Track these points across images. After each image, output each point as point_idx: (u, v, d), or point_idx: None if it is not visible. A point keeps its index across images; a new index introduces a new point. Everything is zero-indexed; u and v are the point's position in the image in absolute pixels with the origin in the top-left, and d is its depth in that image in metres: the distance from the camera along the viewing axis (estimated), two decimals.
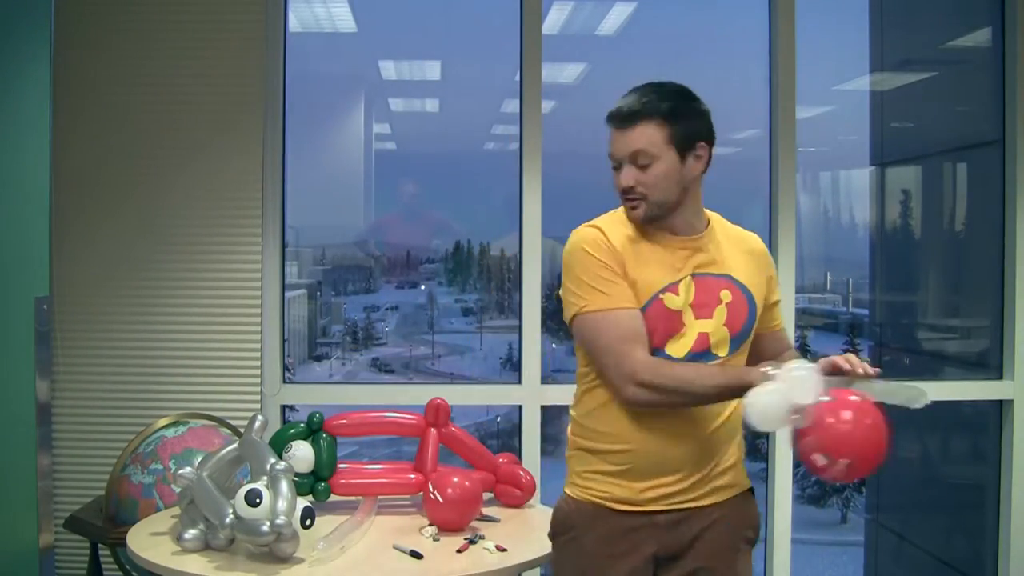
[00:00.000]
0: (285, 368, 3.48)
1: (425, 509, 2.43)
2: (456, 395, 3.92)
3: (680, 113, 1.86)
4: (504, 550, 2.22)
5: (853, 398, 1.75)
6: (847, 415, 1.72)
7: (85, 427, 3.27)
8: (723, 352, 1.92)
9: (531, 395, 3.41)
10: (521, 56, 3.43)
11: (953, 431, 4.46)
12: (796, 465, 3.58)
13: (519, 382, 3.45)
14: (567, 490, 2.02)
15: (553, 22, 3.96)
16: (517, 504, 2.66)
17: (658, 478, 1.91)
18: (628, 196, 1.90)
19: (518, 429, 3.47)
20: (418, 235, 5.41)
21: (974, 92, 4.04)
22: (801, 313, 4.61)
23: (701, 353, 1.90)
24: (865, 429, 1.73)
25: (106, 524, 2.80)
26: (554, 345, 4.03)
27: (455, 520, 2.39)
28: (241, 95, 3.30)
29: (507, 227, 3.62)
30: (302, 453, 2.49)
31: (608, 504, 1.93)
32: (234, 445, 2.38)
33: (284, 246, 3.48)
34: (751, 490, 2.06)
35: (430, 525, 2.40)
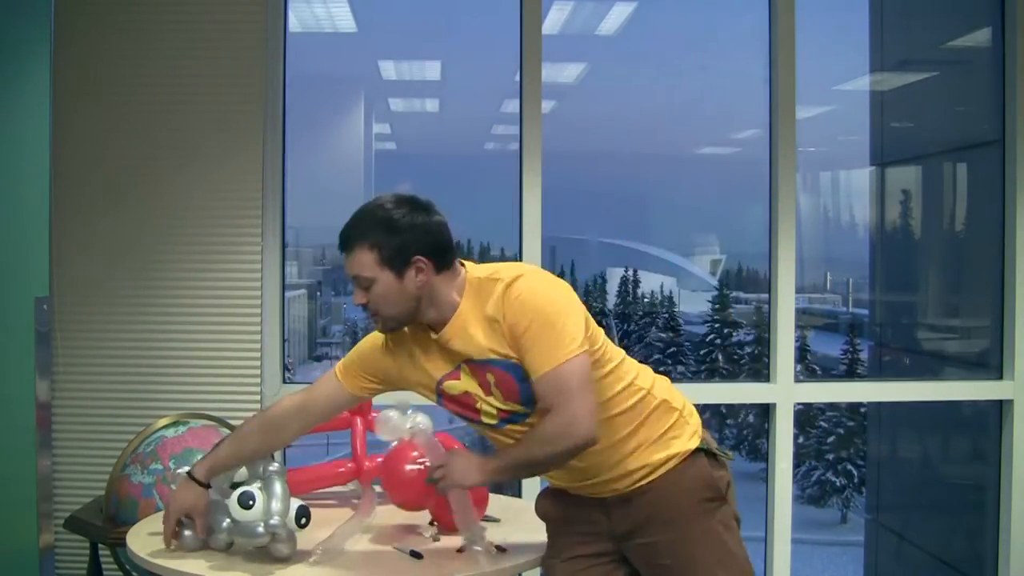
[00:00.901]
0: (285, 368, 3.48)
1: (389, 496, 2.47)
2: None
3: (388, 234, 1.91)
4: (504, 550, 2.22)
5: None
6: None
7: (85, 427, 3.26)
8: (530, 412, 1.93)
9: None
10: (521, 56, 3.43)
11: (953, 431, 4.46)
12: (796, 465, 3.58)
13: None
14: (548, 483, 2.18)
15: (553, 22, 3.96)
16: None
17: (578, 480, 2.02)
18: (367, 312, 1.99)
19: None
20: None
21: (974, 92, 4.04)
22: (801, 313, 4.63)
23: (512, 416, 1.96)
24: None
25: (106, 524, 2.79)
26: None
27: (413, 500, 2.42)
28: (241, 95, 3.30)
29: (507, 227, 3.62)
30: None
31: (565, 487, 2.08)
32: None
33: (284, 246, 3.48)
34: (697, 452, 2.02)
35: (431, 524, 2.40)
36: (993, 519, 3.61)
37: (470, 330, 1.94)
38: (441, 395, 2.03)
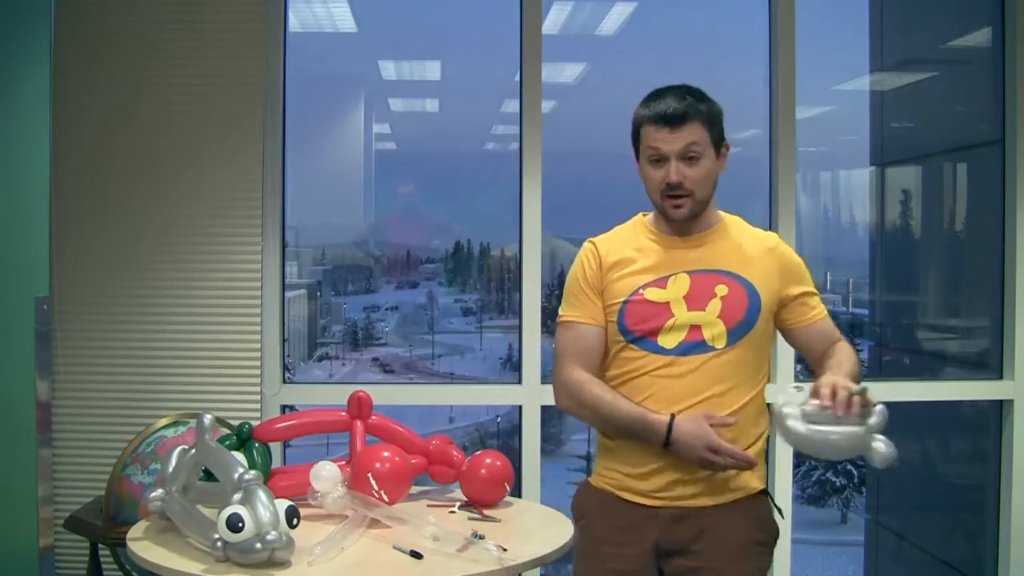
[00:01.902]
0: (285, 368, 3.48)
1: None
2: (456, 395, 3.94)
3: (715, 115, 2.01)
4: (504, 550, 2.22)
5: None
6: None
7: (85, 427, 3.27)
8: (720, 344, 1.98)
9: (531, 395, 3.41)
10: (521, 56, 3.43)
11: (953, 431, 4.46)
12: (796, 465, 3.58)
13: (519, 382, 3.45)
14: (590, 478, 2.16)
15: (553, 22, 3.96)
16: (446, 482, 2.67)
17: (659, 473, 1.99)
18: (674, 193, 1.99)
19: (518, 429, 3.47)
20: (418, 235, 5.41)
21: (974, 92, 4.04)
22: None
23: (695, 344, 1.98)
24: None
25: (106, 524, 2.80)
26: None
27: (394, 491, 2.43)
28: (241, 95, 3.30)
29: (507, 227, 3.62)
30: None
31: (617, 493, 2.05)
32: (188, 449, 2.32)
33: (284, 246, 3.48)
34: (764, 492, 2.07)
35: (431, 524, 2.40)
36: (993, 519, 3.61)
37: (736, 241, 2.03)
38: (627, 306, 2.00)
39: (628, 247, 2.07)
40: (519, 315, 3.46)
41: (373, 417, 2.66)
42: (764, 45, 3.52)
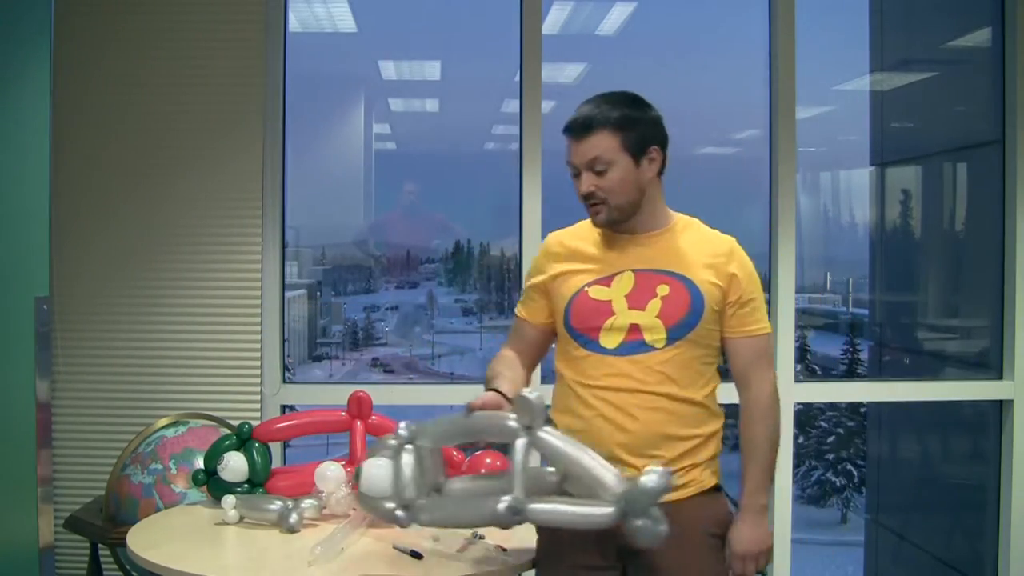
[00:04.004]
0: (285, 368, 3.48)
1: None
2: (456, 395, 3.93)
3: (630, 120, 1.98)
4: (504, 550, 2.22)
5: None
6: None
7: (85, 427, 3.27)
8: (660, 344, 1.98)
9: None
10: (521, 56, 3.43)
11: (953, 431, 4.46)
12: (796, 465, 3.58)
13: None
14: None
15: (553, 22, 3.96)
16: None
17: (610, 448, 1.98)
18: (589, 202, 2.02)
19: None
20: (418, 235, 5.42)
21: (974, 92, 4.04)
22: (801, 313, 4.62)
23: (634, 344, 1.99)
24: None
25: (106, 524, 2.80)
26: (554, 345, 4.02)
27: None
28: (241, 95, 3.30)
29: (508, 227, 3.62)
30: (235, 464, 2.55)
31: None
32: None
33: (284, 246, 3.48)
34: (717, 488, 2.06)
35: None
36: (993, 519, 3.61)
37: (686, 242, 2.03)
38: (572, 304, 2.04)
39: (580, 241, 2.11)
40: None
41: (373, 417, 2.66)
42: (764, 45, 3.52)
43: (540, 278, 2.14)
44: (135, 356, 3.29)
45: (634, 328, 1.99)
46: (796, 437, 3.52)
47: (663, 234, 2.05)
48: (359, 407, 2.66)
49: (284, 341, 3.48)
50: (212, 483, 2.57)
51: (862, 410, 8.22)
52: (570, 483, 1.85)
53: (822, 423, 9.75)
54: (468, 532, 2.33)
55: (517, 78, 3.45)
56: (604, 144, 1.96)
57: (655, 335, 1.98)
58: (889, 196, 5.07)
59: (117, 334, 3.29)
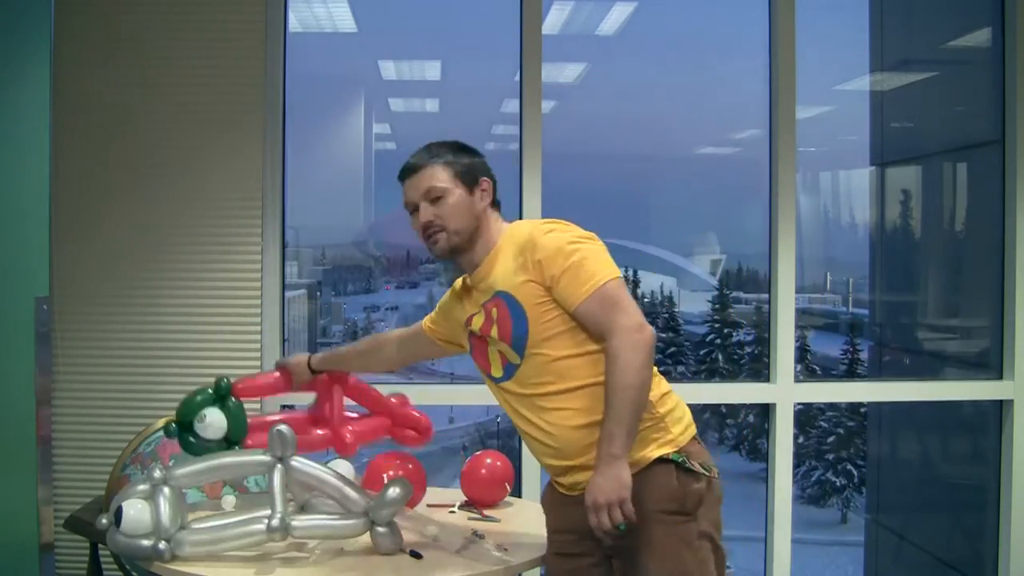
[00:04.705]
0: None
1: None
2: (456, 395, 3.93)
3: (459, 156, 2.15)
4: (505, 550, 2.22)
5: None
6: None
7: (85, 427, 3.26)
8: (516, 360, 2.05)
9: None
10: (521, 56, 3.43)
11: (953, 431, 4.46)
12: (796, 465, 3.58)
13: None
14: None
15: (553, 22, 3.96)
16: (413, 445, 2.67)
17: (554, 460, 2.07)
18: (428, 232, 2.12)
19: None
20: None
21: (974, 92, 4.04)
22: (801, 313, 4.62)
23: (509, 367, 2.08)
24: None
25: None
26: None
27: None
28: (241, 95, 3.30)
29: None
30: (214, 419, 2.45)
31: (554, 484, 2.15)
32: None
33: (284, 246, 3.48)
34: (664, 460, 2.01)
35: (431, 524, 2.40)
36: (993, 519, 3.61)
37: (503, 257, 2.10)
38: (471, 346, 2.19)
39: (459, 286, 2.25)
40: None
41: (351, 379, 2.64)
42: (764, 45, 3.52)
43: (444, 304, 2.31)
44: (135, 356, 3.28)
45: (499, 354, 2.09)
46: (796, 437, 3.52)
47: (491, 258, 2.13)
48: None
49: (284, 341, 3.47)
50: (183, 438, 2.46)
51: (862, 410, 8.22)
52: (323, 501, 2.19)
53: (822, 423, 9.76)
54: (468, 532, 2.33)
55: (517, 78, 3.45)
56: (438, 175, 2.11)
57: (510, 354, 2.06)
58: (889, 196, 5.07)
59: (117, 334, 3.29)
